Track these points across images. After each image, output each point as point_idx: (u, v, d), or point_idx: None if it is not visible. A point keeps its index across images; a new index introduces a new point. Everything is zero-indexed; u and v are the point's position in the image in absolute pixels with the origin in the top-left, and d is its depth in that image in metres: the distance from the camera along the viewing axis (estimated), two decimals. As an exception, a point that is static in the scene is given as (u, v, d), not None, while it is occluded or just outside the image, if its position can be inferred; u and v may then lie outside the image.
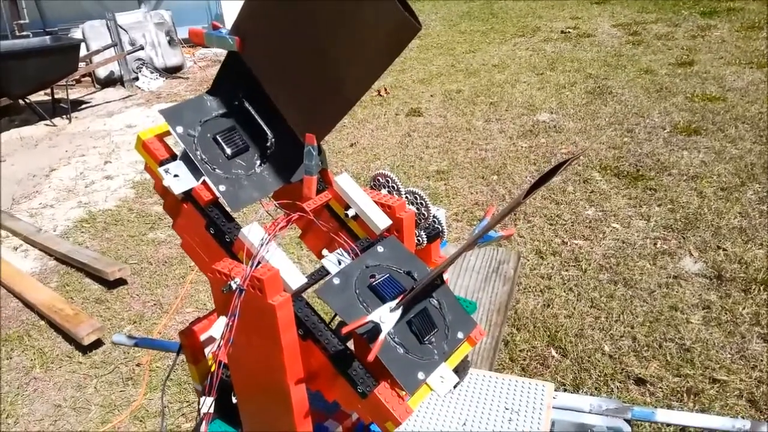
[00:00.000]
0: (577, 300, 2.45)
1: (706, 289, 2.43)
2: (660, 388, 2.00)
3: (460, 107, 4.70)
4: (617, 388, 2.03)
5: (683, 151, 3.55)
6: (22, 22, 7.40)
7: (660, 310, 2.34)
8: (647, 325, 2.27)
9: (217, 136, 0.85)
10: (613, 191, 3.22)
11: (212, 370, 0.85)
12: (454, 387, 0.82)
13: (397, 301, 0.76)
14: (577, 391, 2.03)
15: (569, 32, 6.33)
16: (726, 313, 2.28)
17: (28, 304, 2.83)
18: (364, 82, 0.76)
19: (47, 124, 5.59)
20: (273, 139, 0.87)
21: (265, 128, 0.87)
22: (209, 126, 0.85)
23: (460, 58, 5.99)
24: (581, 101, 4.49)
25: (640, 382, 2.04)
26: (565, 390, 2.03)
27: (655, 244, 2.75)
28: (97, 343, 2.53)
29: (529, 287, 2.56)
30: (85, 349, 2.51)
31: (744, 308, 2.30)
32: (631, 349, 2.18)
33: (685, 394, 1.96)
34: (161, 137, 0.88)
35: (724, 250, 2.64)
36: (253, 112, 0.87)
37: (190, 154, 0.83)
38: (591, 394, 1.92)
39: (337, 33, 0.72)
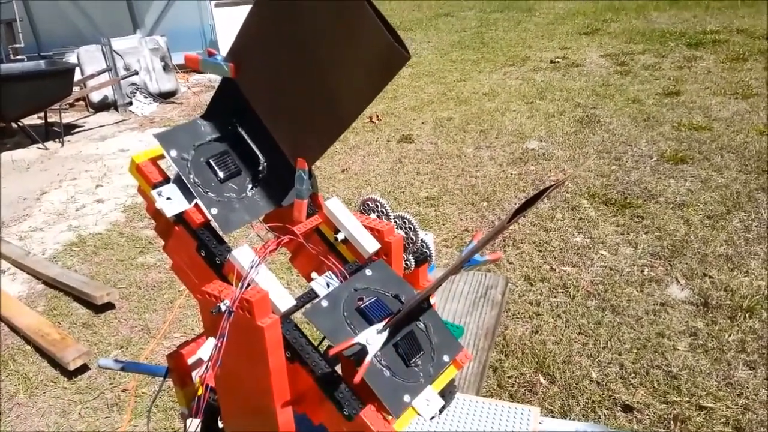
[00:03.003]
0: (566, 326, 2.46)
1: (693, 316, 2.45)
2: (647, 415, 2.01)
3: (451, 134, 4.75)
4: (605, 415, 2.03)
5: (670, 180, 3.60)
6: (17, 45, 7.44)
7: (647, 337, 2.35)
8: (634, 352, 2.29)
9: (210, 160, 0.87)
10: (601, 219, 3.26)
11: (199, 393, 0.85)
12: (440, 411, 0.83)
13: (383, 323, 0.77)
14: (565, 418, 2.03)
15: (558, 62, 6.43)
16: (712, 340, 2.30)
17: (14, 328, 2.81)
18: (354, 109, 0.78)
19: (39, 148, 5.59)
20: (265, 164, 0.89)
21: (258, 153, 0.89)
22: (202, 150, 0.87)
23: (452, 86, 6.07)
24: (570, 130, 4.56)
25: (627, 409, 2.04)
26: (552, 417, 2.03)
27: (642, 271, 2.78)
28: (83, 368, 2.51)
29: (518, 313, 2.57)
30: (71, 374, 2.49)
31: (730, 335, 2.32)
32: (619, 375, 2.19)
33: (671, 421, 1.97)
34: (155, 160, 0.90)
35: (711, 277, 2.67)
36: (245, 137, 0.89)
37: (183, 178, 0.84)
38: (578, 421, 1.92)
39: (328, 62, 0.75)
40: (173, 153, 0.84)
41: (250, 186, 0.88)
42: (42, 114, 5.77)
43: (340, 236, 0.94)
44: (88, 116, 6.54)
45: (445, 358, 0.85)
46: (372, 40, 0.69)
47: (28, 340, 2.71)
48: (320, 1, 0.70)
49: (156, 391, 2.30)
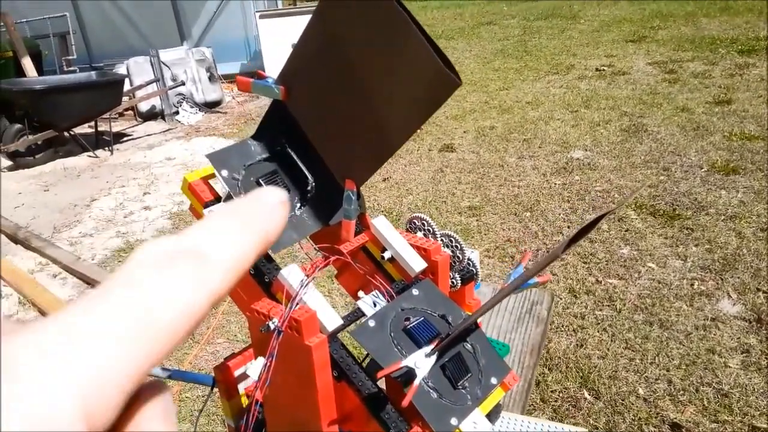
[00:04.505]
0: (611, 341, 2.41)
1: (745, 333, 2.37)
2: (698, 435, 1.95)
3: (493, 144, 4.72)
4: (653, 434, 1.98)
5: (721, 191, 3.50)
6: (70, 57, 7.71)
7: (697, 353, 2.29)
8: (683, 368, 2.22)
9: (260, 180, 0.88)
10: (649, 230, 3.18)
11: (246, 407, 0.87)
12: (486, 432, 0.82)
13: (432, 346, 0.76)
14: (612, 435, 1.99)
15: (604, 70, 6.33)
16: (766, 358, 2.22)
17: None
18: (404, 132, 0.78)
19: (90, 156, 5.78)
20: (313, 183, 0.90)
21: (306, 173, 0.90)
22: (253, 170, 0.88)
23: (494, 94, 6.03)
24: (616, 139, 4.48)
25: (675, 427, 1.99)
26: (598, 434, 1.99)
27: (692, 284, 2.70)
28: (132, 373, 2.57)
29: (562, 326, 2.53)
30: (120, 379, 2.55)
31: (786, 354, 2.23)
32: (667, 392, 2.13)
33: (724, 443, 1.91)
34: (206, 180, 0.92)
35: (765, 292, 2.58)
36: (294, 157, 0.90)
37: (234, 197, 0.86)
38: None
39: (378, 86, 0.75)
40: (224, 173, 0.86)
41: (298, 205, 0.89)
42: (93, 123, 5.96)
43: (387, 255, 0.94)
44: (136, 125, 6.73)
45: (493, 380, 0.84)
46: (421, 65, 0.69)
47: (79, 344, 2.79)
48: (369, 22, 0.70)
49: (204, 400, 2.34)
